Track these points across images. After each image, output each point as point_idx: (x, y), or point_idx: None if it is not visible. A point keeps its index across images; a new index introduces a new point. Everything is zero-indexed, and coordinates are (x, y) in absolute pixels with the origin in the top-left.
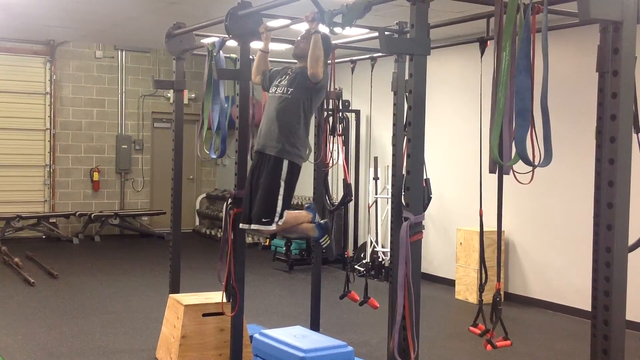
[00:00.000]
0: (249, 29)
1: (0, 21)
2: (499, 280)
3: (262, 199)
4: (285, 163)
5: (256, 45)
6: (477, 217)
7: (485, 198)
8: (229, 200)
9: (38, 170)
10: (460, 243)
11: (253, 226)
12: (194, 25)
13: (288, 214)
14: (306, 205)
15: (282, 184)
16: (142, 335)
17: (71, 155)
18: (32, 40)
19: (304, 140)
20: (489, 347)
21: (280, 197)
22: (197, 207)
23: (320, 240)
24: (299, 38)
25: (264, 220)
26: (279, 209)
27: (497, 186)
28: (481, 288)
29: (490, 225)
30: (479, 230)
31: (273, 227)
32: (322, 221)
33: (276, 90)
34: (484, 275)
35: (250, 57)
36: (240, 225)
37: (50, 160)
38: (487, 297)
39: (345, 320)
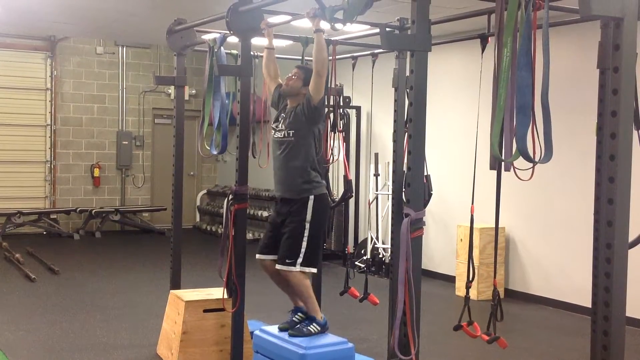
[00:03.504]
0: (250, 25)
1: (1, 17)
2: (495, 277)
3: (287, 241)
4: (311, 200)
5: (257, 41)
6: (477, 214)
7: (486, 194)
8: (230, 197)
9: (39, 166)
10: (461, 239)
11: (277, 266)
12: (194, 21)
13: (309, 286)
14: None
15: (307, 225)
16: (142, 331)
17: (72, 151)
18: (32, 36)
19: (319, 170)
20: (485, 337)
21: (305, 239)
22: (198, 203)
23: (310, 326)
24: (289, 75)
25: (287, 261)
26: (303, 249)
27: (496, 183)
28: (468, 285)
29: (492, 221)
30: (476, 226)
31: (296, 268)
32: (323, 325)
33: (275, 134)
34: (471, 273)
35: (252, 53)
36: (257, 256)
37: (51, 156)
38: (488, 294)
39: (345, 316)
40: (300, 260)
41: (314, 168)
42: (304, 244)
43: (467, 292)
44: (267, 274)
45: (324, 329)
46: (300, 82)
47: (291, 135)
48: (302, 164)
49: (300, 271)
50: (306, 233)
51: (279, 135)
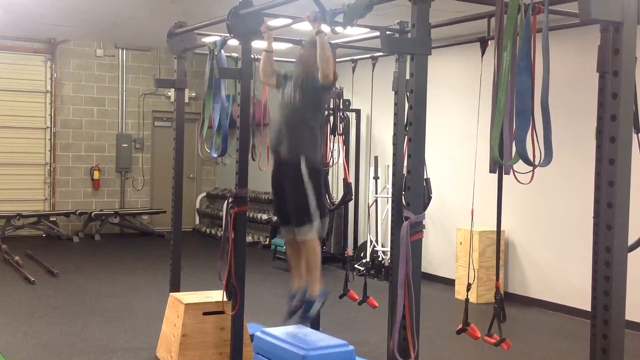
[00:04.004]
0: (250, 28)
1: (1, 19)
2: (498, 279)
3: (294, 206)
4: (304, 168)
5: (257, 44)
6: (477, 217)
7: (486, 198)
8: (230, 199)
9: (38, 168)
10: (460, 243)
11: (300, 237)
12: (195, 24)
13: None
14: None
15: (308, 186)
16: (142, 334)
17: (71, 153)
18: (32, 38)
19: (318, 141)
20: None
21: (311, 198)
22: (198, 206)
23: (309, 312)
24: (302, 44)
25: (306, 220)
26: (312, 208)
27: (497, 186)
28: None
29: (491, 224)
30: (476, 229)
31: (317, 223)
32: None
33: (283, 98)
34: (472, 275)
35: (252, 56)
36: (283, 232)
37: (50, 158)
38: (487, 297)
39: (345, 319)
40: (314, 216)
41: (315, 138)
42: (312, 202)
43: (467, 295)
44: (286, 243)
45: (324, 298)
46: (309, 51)
47: (297, 100)
48: (303, 126)
49: (317, 237)
50: (310, 193)
51: (287, 100)
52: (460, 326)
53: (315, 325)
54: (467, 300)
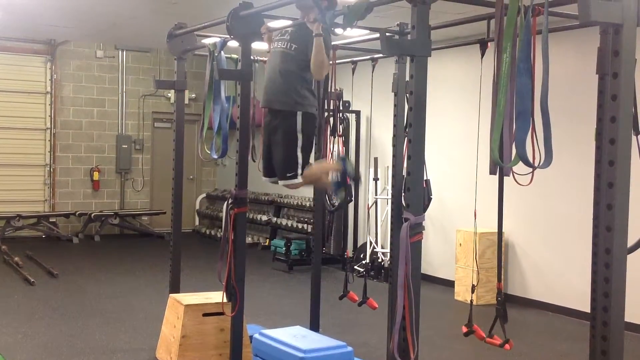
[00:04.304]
0: (250, 29)
1: (1, 20)
2: (500, 280)
3: (281, 154)
4: (299, 115)
5: (257, 45)
6: (477, 218)
7: (486, 199)
8: (230, 200)
9: (38, 169)
10: (460, 244)
11: (281, 182)
12: (195, 25)
13: (312, 168)
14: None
15: (300, 135)
16: (142, 335)
17: (71, 154)
18: (32, 39)
19: (312, 90)
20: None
21: (299, 149)
22: (197, 207)
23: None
24: None
25: (288, 175)
26: (300, 160)
27: (497, 188)
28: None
29: (491, 226)
30: (476, 230)
31: (299, 179)
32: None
33: (278, 45)
34: (476, 277)
35: (252, 57)
36: (263, 179)
37: (50, 159)
38: (487, 298)
39: (344, 320)
40: (299, 170)
41: (310, 86)
42: (300, 154)
43: (472, 296)
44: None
45: (345, 160)
46: None
47: (292, 49)
48: (297, 74)
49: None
50: (299, 143)
51: (282, 46)
52: (466, 329)
53: (314, 326)
54: (471, 301)
